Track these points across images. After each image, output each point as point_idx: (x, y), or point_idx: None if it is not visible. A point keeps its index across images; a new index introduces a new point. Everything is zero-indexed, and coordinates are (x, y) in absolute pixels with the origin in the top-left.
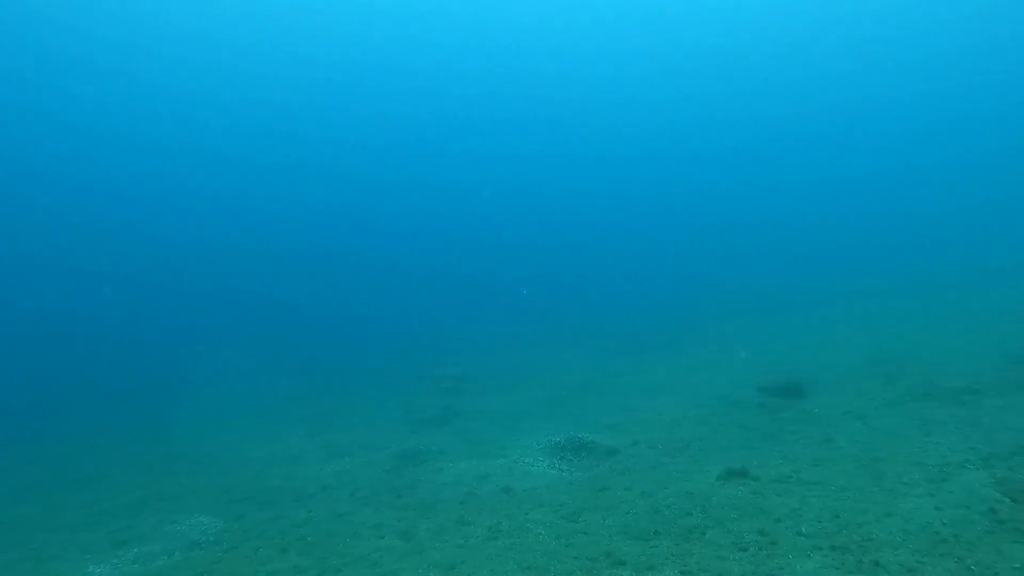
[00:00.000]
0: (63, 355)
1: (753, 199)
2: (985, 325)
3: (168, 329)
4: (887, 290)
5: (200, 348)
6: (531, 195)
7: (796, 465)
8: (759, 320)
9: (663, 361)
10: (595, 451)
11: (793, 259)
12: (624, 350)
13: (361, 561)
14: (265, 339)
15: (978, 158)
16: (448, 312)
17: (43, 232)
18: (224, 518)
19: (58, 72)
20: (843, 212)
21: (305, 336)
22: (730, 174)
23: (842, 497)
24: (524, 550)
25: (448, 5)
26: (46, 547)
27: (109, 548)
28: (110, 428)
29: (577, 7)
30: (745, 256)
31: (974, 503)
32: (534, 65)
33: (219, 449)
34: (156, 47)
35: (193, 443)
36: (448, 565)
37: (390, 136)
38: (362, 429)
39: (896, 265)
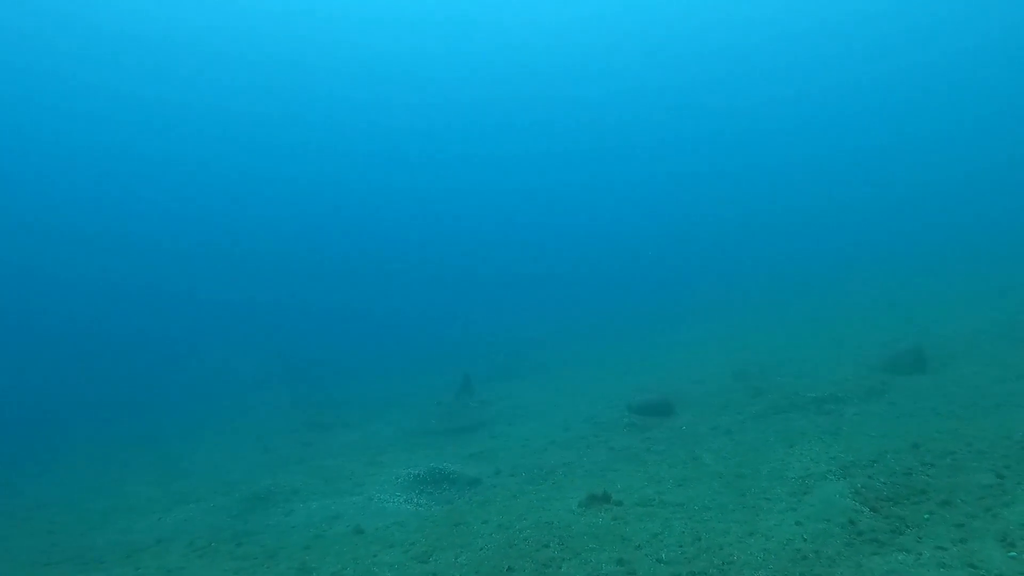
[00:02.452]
0: None
1: (617, 218)
2: (845, 333)
3: None
4: (751, 302)
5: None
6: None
7: (660, 486)
8: (629, 339)
9: (535, 385)
10: (456, 482)
11: (657, 276)
12: (497, 375)
13: None
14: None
15: (826, 166)
16: (311, 336)
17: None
18: None
19: (51, 78)
20: (701, 225)
21: (161, 367)
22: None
23: (704, 518)
24: None
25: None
26: None
27: None
28: None
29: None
30: (611, 275)
31: (834, 515)
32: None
33: (52, 500)
34: (151, 53)
35: (13, 494)
36: None
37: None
38: (214, 471)
39: (758, 276)
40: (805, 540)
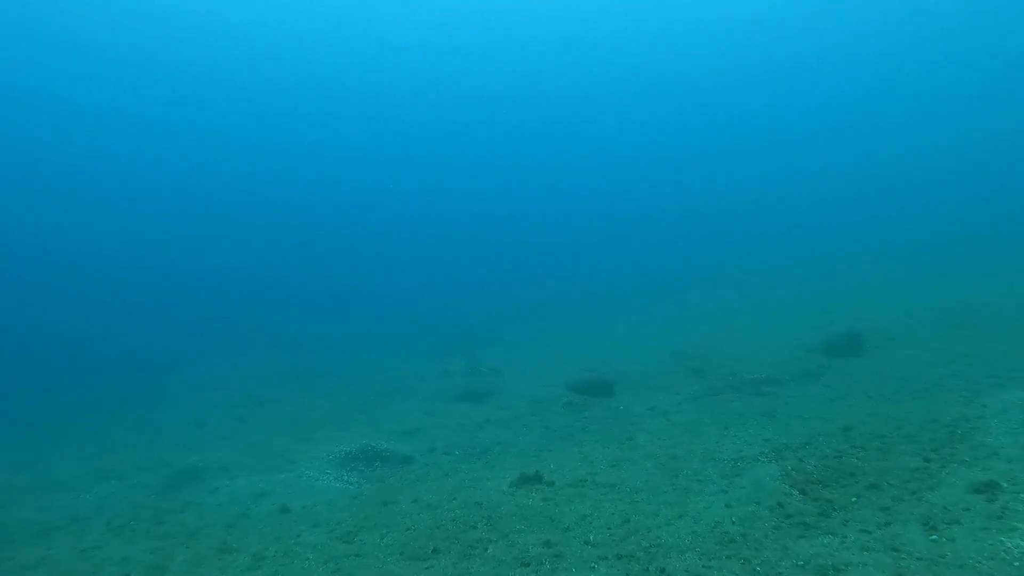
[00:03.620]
0: None
1: (564, 200)
2: (787, 316)
3: None
4: (692, 284)
5: None
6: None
7: (593, 467)
8: (573, 318)
9: (479, 362)
10: (389, 460)
11: (603, 257)
12: (441, 351)
13: None
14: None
15: (773, 154)
16: (247, 311)
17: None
18: None
19: (52, 71)
20: (647, 208)
21: (105, 335)
22: (541, 178)
23: (635, 500)
24: None
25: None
26: None
27: None
28: None
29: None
30: (561, 255)
31: (764, 498)
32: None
33: None
34: (154, 44)
35: None
36: None
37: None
38: (144, 446)
39: (700, 259)
40: (733, 523)
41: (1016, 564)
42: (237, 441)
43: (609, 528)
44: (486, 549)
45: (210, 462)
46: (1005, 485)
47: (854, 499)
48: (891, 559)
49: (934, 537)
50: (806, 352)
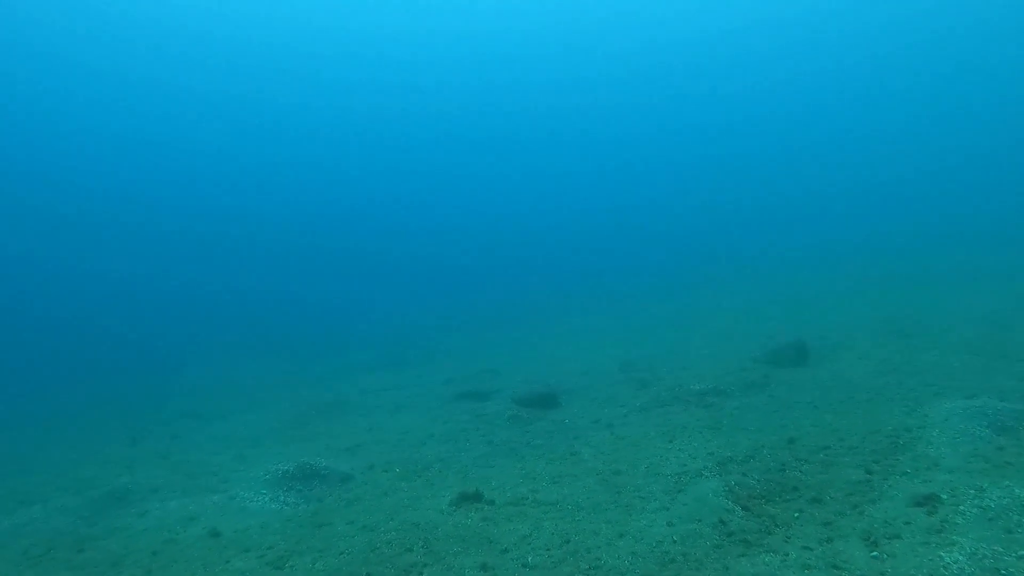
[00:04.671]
0: None
1: (508, 212)
2: (735, 326)
3: None
4: (637, 294)
5: None
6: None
7: (535, 483)
8: (522, 328)
9: (423, 373)
10: (328, 479)
11: (548, 266)
12: (386, 363)
13: None
14: None
15: (724, 166)
16: (185, 322)
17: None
18: None
19: (50, 71)
20: (595, 220)
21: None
22: (493, 190)
23: (576, 518)
24: None
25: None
26: None
27: None
28: None
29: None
30: (504, 266)
31: (706, 515)
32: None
33: None
34: (149, 45)
35: None
36: None
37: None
38: (71, 466)
39: (649, 270)
40: (674, 542)
41: None
42: (170, 460)
43: (548, 549)
44: (421, 573)
45: (140, 483)
46: (945, 497)
47: (796, 515)
48: None
49: (875, 553)
50: (752, 362)
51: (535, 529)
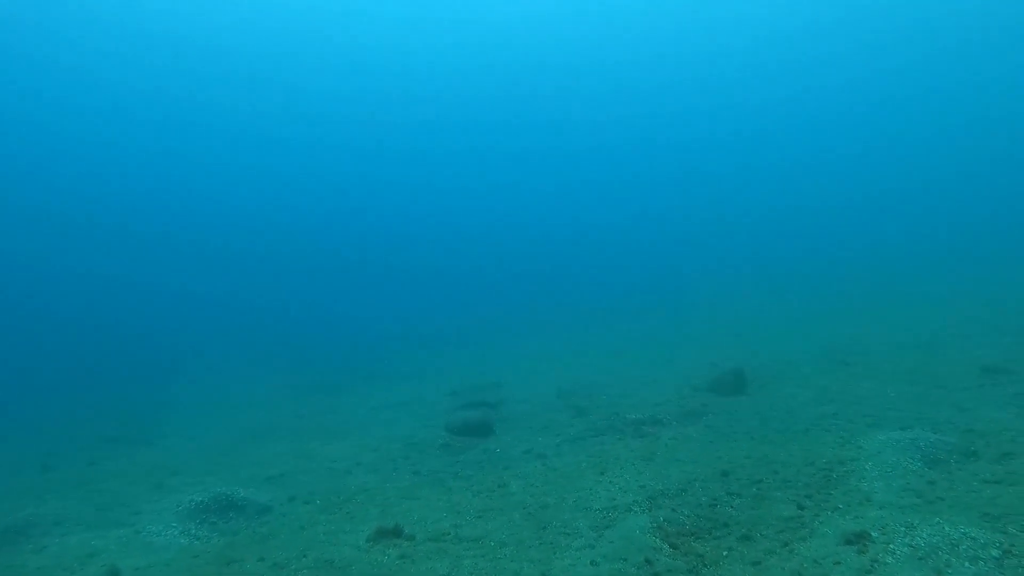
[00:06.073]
0: None
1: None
2: (678, 353)
3: None
4: (578, 321)
5: None
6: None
7: (459, 518)
8: (464, 351)
9: (360, 398)
10: (245, 510)
11: (498, 290)
12: (322, 386)
13: None
14: None
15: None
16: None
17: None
18: None
19: (51, 74)
20: (544, 242)
21: None
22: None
23: (498, 556)
24: None
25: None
26: None
27: None
28: None
29: None
30: (445, 290)
31: (631, 554)
32: None
33: None
34: (149, 50)
35: None
36: None
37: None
38: None
39: (593, 294)
40: None
41: None
42: (83, 489)
43: None
44: None
45: (45, 515)
46: (875, 535)
47: (725, 553)
48: None
49: None
50: (691, 390)
51: (454, 568)
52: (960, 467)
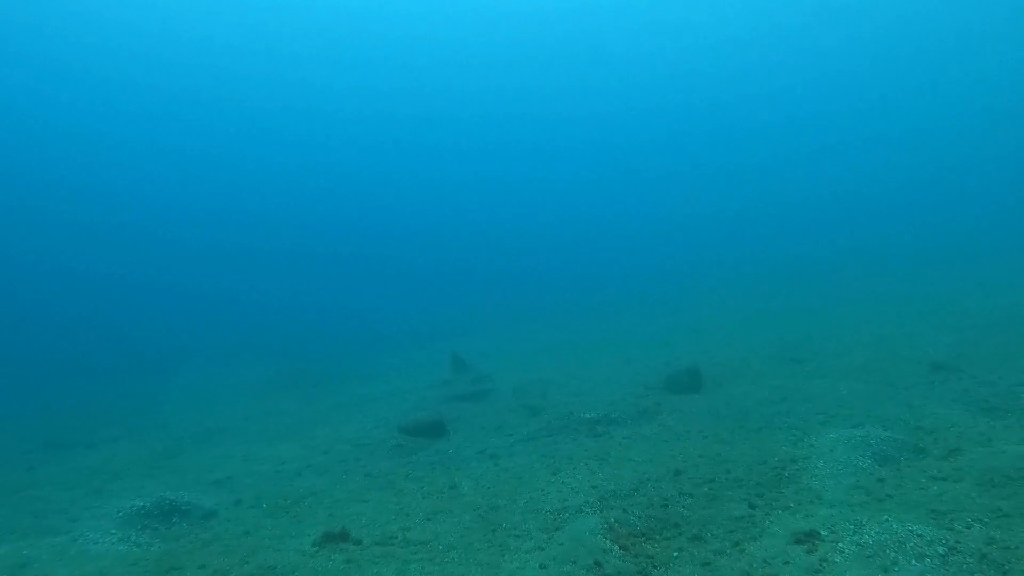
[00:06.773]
0: None
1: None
2: (636, 352)
3: None
4: (541, 318)
5: None
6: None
7: (408, 520)
8: (418, 350)
9: (323, 397)
10: (189, 515)
11: (453, 287)
12: (290, 384)
13: None
14: None
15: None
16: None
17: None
18: None
19: (49, 73)
20: (513, 238)
21: None
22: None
23: (446, 559)
24: None
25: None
26: None
27: None
28: None
29: None
30: (407, 286)
31: (581, 556)
32: None
33: None
34: (150, 47)
35: None
36: None
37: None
38: None
39: (551, 291)
40: None
41: None
42: (19, 496)
43: None
44: None
45: None
46: (824, 534)
47: (676, 553)
48: None
49: None
50: (646, 388)
51: (400, 573)
52: (909, 464)
